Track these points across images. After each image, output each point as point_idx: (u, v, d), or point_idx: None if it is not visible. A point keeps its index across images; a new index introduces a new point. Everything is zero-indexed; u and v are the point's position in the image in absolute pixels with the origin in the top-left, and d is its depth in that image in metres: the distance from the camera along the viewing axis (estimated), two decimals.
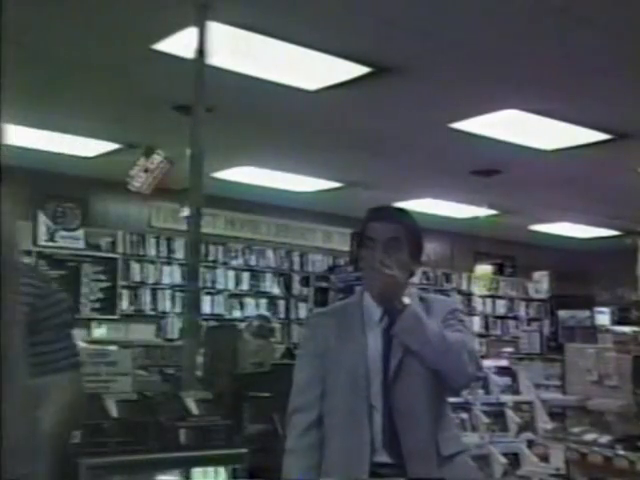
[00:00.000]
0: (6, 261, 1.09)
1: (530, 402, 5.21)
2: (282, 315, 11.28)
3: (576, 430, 4.17)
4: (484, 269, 13.22)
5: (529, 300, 13.77)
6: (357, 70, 5.79)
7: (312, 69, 5.83)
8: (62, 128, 7.51)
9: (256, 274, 11.18)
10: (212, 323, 9.44)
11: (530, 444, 4.89)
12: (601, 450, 3.89)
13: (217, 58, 5.02)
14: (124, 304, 9.95)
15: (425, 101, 6.56)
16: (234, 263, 10.98)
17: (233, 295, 10.91)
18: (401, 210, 2.47)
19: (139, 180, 7.01)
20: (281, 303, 11.37)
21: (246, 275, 11.08)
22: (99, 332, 9.59)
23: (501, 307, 13.52)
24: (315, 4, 4.83)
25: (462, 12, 4.87)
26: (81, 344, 6.03)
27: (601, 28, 5.05)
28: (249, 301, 11.05)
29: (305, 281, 9.10)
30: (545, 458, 4.55)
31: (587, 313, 11.53)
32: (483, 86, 6.17)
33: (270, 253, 11.36)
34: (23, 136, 7.47)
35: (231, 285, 10.90)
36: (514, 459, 4.79)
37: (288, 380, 2.40)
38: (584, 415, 4.27)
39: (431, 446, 2.25)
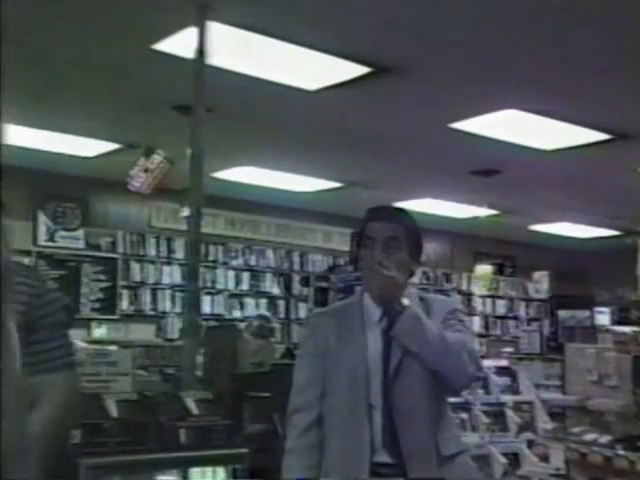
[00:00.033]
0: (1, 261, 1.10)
1: (530, 402, 5.21)
2: (282, 315, 11.28)
3: (576, 430, 4.17)
4: (484, 269, 13.22)
5: (529, 300, 13.77)
6: (357, 70, 5.79)
7: (312, 69, 5.83)
8: (62, 128, 7.51)
9: (256, 274, 11.18)
10: (212, 323, 9.44)
11: (530, 444, 4.90)
12: (601, 450, 3.89)
13: (217, 58, 5.02)
14: (124, 304, 9.95)
15: (425, 101, 6.56)
16: (234, 263, 10.98)
17: (233, 295, 10.91)
18: (400, 210, 2.48)
19: (139, 180, 7.01)
20: (281, 303, 11.38)
21: (246, 275, 11.08)
22: (99, 332, 9.59)
23: (501, 307, 13.52)
24: (315, 4, 4.83)
25: (462, 12, 4.87)
26: (81, 344, 6.05)
27: (601, 28, 5.05)
28: (249, 301, 11.05)
29: (305, 281, 9.10)
30: (545, 458, 4.55)
31: (587, 313, 11.53)
32: (483, 86, 6.17)
33: (270, 253, 11.36)
34: (23, 136, 7.47)
35: (231, 285, 10.90)
36: (514, 459, 4.79)
37: (288, 380, 2.40)
38: (584, 415, 4.27)
39: (431, 446, 2.25)
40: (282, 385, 2.61)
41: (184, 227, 5.36)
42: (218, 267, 10.79)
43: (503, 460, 4.71)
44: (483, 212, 10.61)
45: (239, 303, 10.95)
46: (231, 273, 10.93)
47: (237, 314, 10.79)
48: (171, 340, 9.71)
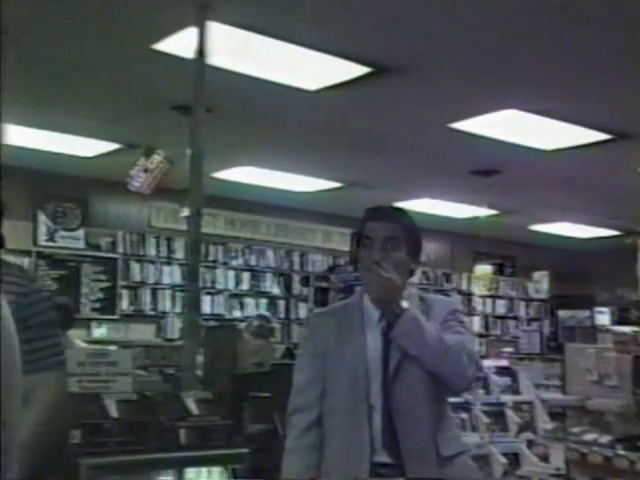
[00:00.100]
0: None
1: (530, 402, 5.21)
2: (282, 315, 11.28)
3: (576, 430, 4.17)
4: (484, 269, 13.22)
5: (529, 300, 13.77)
6: (357, 70, 5.79)
7: (312, 69, 5.83)
8: (62, 128, 7.51)
9: (256, 274, 11.18)
10: (212, 323, 9.45)
11: (530, 444, 4.90)
12: (601, 450, 3.89)
13: (217, 58, 5.02)
14: (124, 304, 9.95)
15: (425, 101, 6.56)
16: (234, 263, 10.98)
17: (233, 295, 10.91)
18: (399, 209, 2.47)
19: (139, 180, 7.01)
20: (281, 303, 11.38)
21: (246, 275, 11.08)
22: (99, 332, 9.60)
23: (501, 307, 13.52)
24: (315, 4, 4.82)
25: (462, 12, 4.87)
26: (81, 344, 6.06)
27: (601, 27, 5.05)
28: (249, 301, 11.05)
29: (305, 281, 9.10)
30: (545, 458, 4.55)
31: (587, 313, 11.55)
32: (483, 86, 6.17)
33: (270, 253, 11.36)
34: (23, 136, 7.47)
35: (231, 285, 10.90)
36: (514, 459, 4.79)
37: (288, 380, 2.40)
38: (584, 415, 4.27)
39: (431, 446, 2.25)
40: (282, 385, 2.61)
41: (184, 227, 5.35)
42: (218, 267, 10.79)
43: (503, 460, 4.71)
44: (483, 212, 10.61)
45: (239, 303, 10.95)
46: (231, 273, 10.93)
47: (237, 314, 10.79)
48: (171, 340, 9.72)
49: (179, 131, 5.03)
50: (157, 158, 6.90)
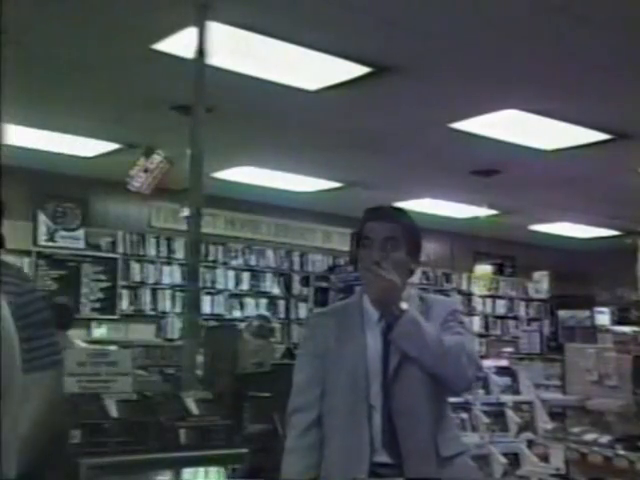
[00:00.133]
0: None
1: (530, 402, 5.20)
2: (282, 315, 11.28)
3: (576, 430, 4.17)
4: (484, 269, 13.22)
5: (529, 300, 13.77)
6: (357, 70, 5.79)
7: (312, 69, 5.83)
8: (62, 128, 7.51)
9: (256, 274, 11.18)
10: (212, 323, 9.45)
11: (530, 444, 4.89)
12: (601, 450, 3.89)
13: (217, 58, 5.02)
14: (124, 304, 9.95)
15: (425, 101, 6.56)
16: (234, 263, 10.98)
17: (233, 295, 10.91)
18: (398, 209, 2.47)
19: (139, 180, 7.00)
20: (281, 303, 11.38)
21: (246, 275, 11.08)
22: (99, 332, 9.60)
23: (501, 307, 13.51)
24: (315, 4, 4.82)
25: (462, 12, 4.87)
26: (81, 344, 6.06)
27: (601, 27, 5.05)
28: (249, 301, 11.05)
29: (305, 281, 9.10)
30: (545, 458, 4.55)
31: (587, 313, 11.53)
32: (483, 86, 6.17)
33: (270, 253, 11.36)
34: (23, 136, 7.47)
35: (231, 285, 10.90)
36: (514, 459, 4.79)
37: (288, 380, 2.40)
38: (584, 415, 4.27)
39: (430, 447, 2.25)
40: (282, 385, 2.61)
41: (184, 227, 5.35)
42: (218, 267, 10.79)
43: (503, 460, 4.71)
44: (483, 212, 10.61)
45: (239, 303, 10.95)
46: (231, 273, 10.93)
47: (237, 314, 10.79)
48: (171, 340, 9.73)
49: (179, 131, 5.03)
50: (157, 158, 6.90)
